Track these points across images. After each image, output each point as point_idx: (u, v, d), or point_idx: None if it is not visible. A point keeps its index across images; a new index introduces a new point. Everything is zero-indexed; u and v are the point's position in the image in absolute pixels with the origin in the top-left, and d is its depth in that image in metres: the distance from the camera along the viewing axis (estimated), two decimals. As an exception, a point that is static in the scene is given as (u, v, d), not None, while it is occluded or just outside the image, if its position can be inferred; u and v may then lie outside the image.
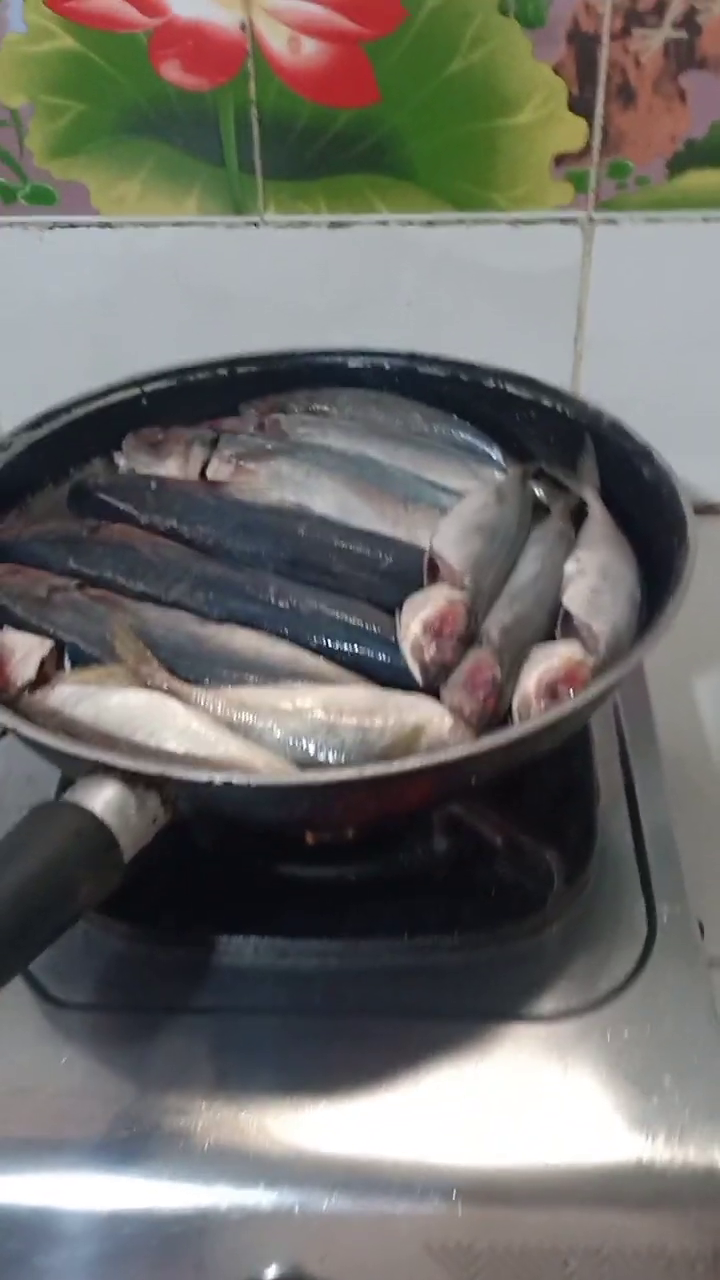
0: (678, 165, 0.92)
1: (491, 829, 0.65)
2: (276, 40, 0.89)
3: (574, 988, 0.60)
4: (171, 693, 0.60)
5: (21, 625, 0.65)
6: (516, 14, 0.86)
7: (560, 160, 0.92)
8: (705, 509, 1.06)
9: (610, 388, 1.00)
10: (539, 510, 0.74)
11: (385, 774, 0.53)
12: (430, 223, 0.95)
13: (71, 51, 0.90)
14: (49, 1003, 0.60)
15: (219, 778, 0.52)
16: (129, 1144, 0.56)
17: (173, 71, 0.91)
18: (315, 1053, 0.58)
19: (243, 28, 0.88)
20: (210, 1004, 0.60)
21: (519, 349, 0.99)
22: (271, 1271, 0.53)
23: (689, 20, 0.86)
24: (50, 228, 0.97)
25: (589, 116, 0.90)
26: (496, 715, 0.60)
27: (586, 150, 0.91)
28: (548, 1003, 0.60)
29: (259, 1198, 0.54)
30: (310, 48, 0.89)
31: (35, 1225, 0.54)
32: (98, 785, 0.53)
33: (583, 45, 0.87)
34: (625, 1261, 0.53)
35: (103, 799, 0.52)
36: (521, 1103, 0.56)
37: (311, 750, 0.57)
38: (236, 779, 0.53)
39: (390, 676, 0.63)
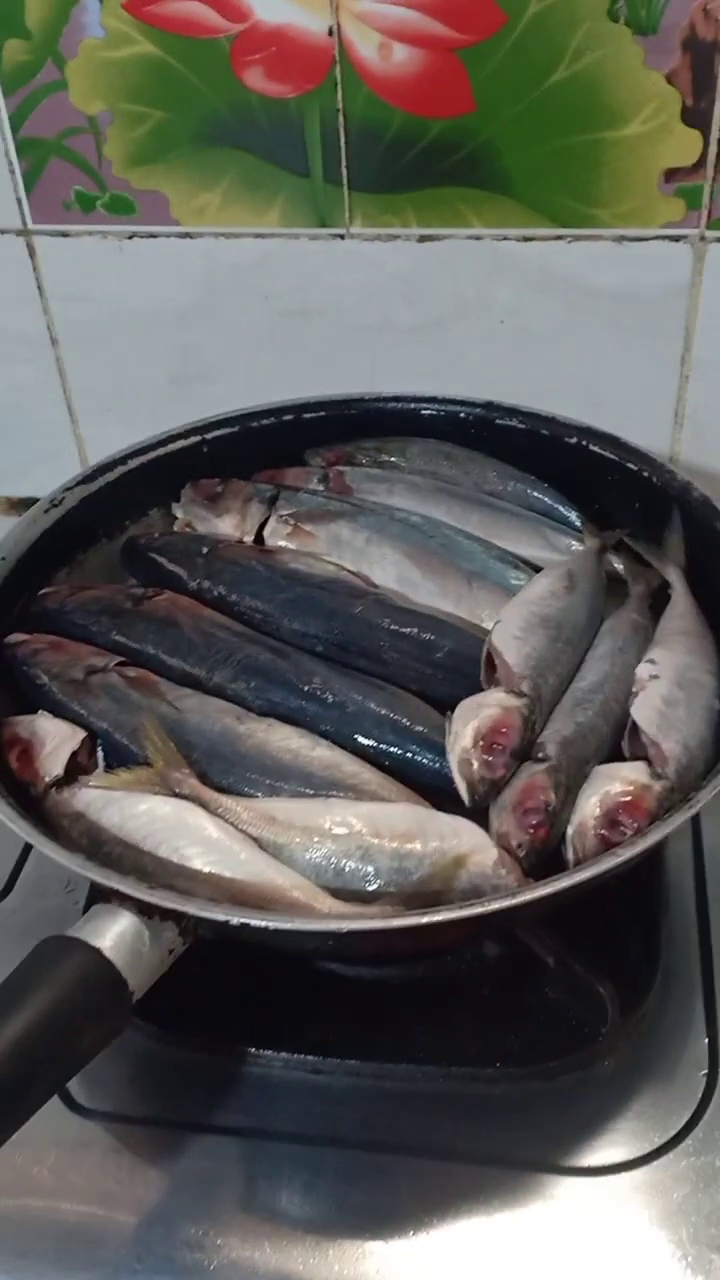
0: None
1: (543, 948, 0.60)
2: (366, 46, 0.83)
3: (622, 1138, 0.56)
4: (200, 802, 0.56)
5: (57, 708, 0.62)
6: (627, 20, 0.80)
7: (671, 175, 0.85)
8: None
9: (717, 412, 0.93)
10: (617, 586, 0.68)
11: (413, 925, 0.48)
12: (526, 238, 0.89)
13: (151, 57, 0.86)
14: (73, 1110, 0.58)
15: (235, 919, 0.49)
16: (143, 1260, 0.53)
17: (256, 78, 0.86)
18: (340, 1190, 0.55)
19: (330, 33, 0.83)
20: (236, 1123, 0.57)
21: (622, 371, 0.93)
22: None
23: None
24: (130, 237, 0.94)
25: (704, 129, 0.84)
26: (548, 846, 0.54)
27: (700, 164, 0.85)
28: (592, 1154, 0.55)
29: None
30: (402, 54, 0.83)
31: None
32: (111, 916, 0.50)
33: (699, 53, 0.81)
34: None
35: (114, 933, 0.49)
36: (554, 1268, 0.51)
37: (344, 875, 0.53)
38: (254, 921, 0.49)
39: (438, 783, 0.58)
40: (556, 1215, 0.54)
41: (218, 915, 0.49)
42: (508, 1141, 0.56)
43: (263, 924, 0.49)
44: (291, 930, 0.50)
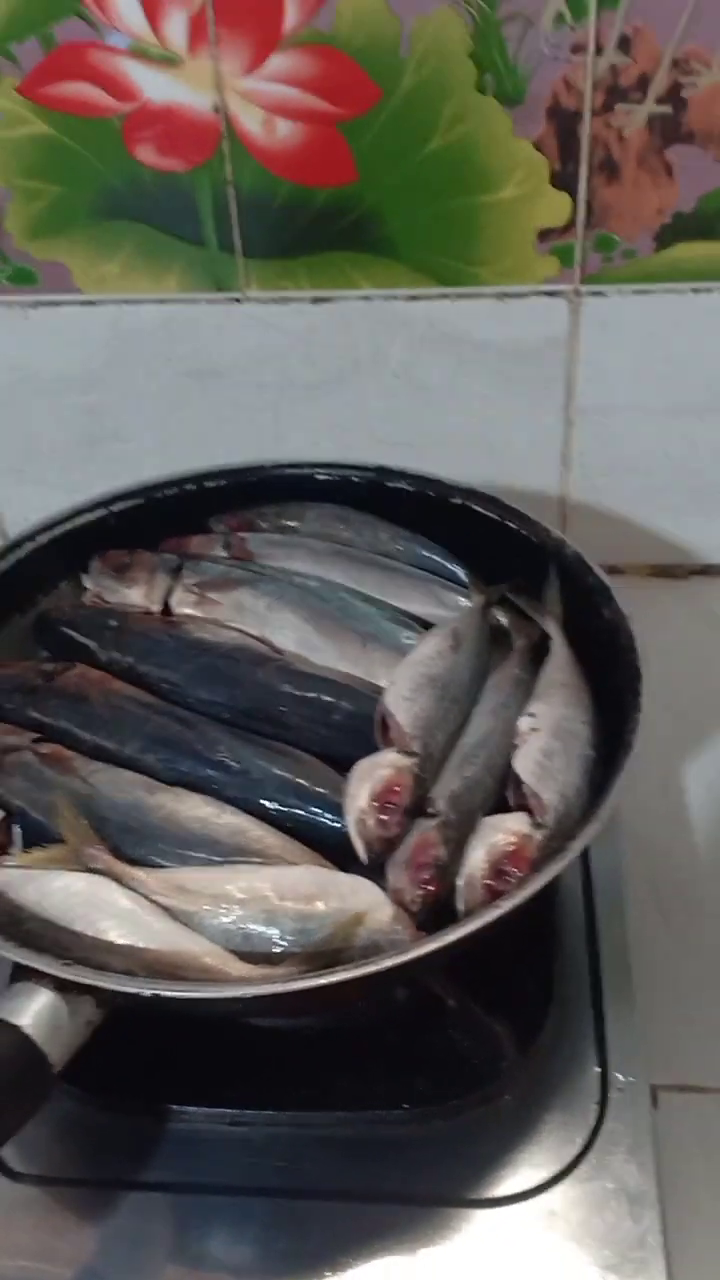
0: (666, 238, 0.88)
1: (444, 990, 0.62)
2: (250, 121, 0.85)
3: (524, 1168, 0.59)
4: (113, 875, 0.58)
5: (-26, 793, 0.64)
6: (494, 92, 0.83)
7: (544, 235, 0.89)
8: (699, 570, 1.03)
9: (601, 454, 0.98)
10: (502, 638, 0.71)
11: (313, 987, 0.51)
12: (413, 298, 0.92)
13: (45, 136, 0.88)
14: (6, 1174, 0.59)
15: (148, 990, 0.51)
16: None
17: (148, 154, 0.88)
18: (263, 1237, 0.57)
19: (216, 110, 0.85)
20: (161, 1178, 0.59)
21: (510, 418, 0.97)
22: None
23: (674, 95, 0.82)
24: (34, 306, 0.96)
25: (572, 192, 0.87)
26: (440, 899, 0.57)
27: (571, 225, 0.89)
28: (495, 1186, 0.58)
29: None
30: (285, 128, 0.86)
31: None
32: (29, 994, 0.52)
33: (564, 121, 0.84)
34: None
35: (33, 1011, 0.51)
36: (460, 1294, 0.54)
37: (251, 939, 0.56)
38: (165, 992, 0.51)
39: (339, 841, 0.61)
40: (465, 1247, 0.56)
41: (130, 988, 0.51)
42: (417, 1180, 0.59)
43: (174, 994, 0.52)
44: (201, 998, 0.52)
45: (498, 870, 0.57)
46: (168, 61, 0.84)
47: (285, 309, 0.94)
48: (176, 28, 0.82)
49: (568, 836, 0.57)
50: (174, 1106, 0.61)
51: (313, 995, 0.51)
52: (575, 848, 0.55)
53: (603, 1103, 0.60)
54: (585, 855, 0.70)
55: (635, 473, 0.98)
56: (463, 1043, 0.62)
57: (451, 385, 0.96)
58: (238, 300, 0.94)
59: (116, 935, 0.56)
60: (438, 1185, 0.58)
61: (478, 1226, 0.57)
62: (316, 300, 0.93)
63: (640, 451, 0.97)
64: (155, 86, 0.85)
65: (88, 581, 0.76)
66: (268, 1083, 0.62)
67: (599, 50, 0.81)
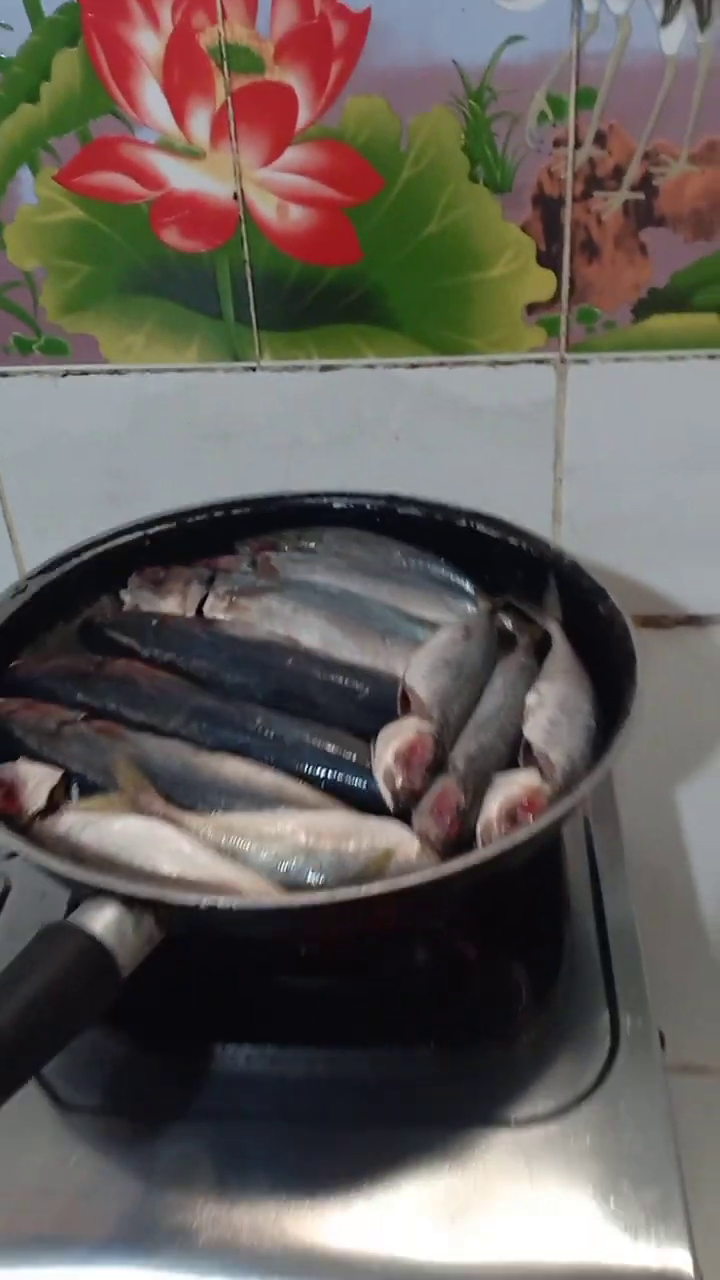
0: (642, 310, 0.99)
1: (465, 942, 0.70)
2: (266, 207, 0.97)
3: (541, 1097, 0.65)
4: (167, 819, 0.65)
5: (34, 756, 0.71)
6: (485, 181, 0.94)
7: (532, 308, 0.99)
8: (684, 620, 1.12)
9: (588, 510, 1.07)
10: (507, 641, 0.80)
11: (353, 898, 0.58)
12: (414, 365, 1.03)
13: (79, 221, 0.98)
14: (60, 1106, 0.65)
15: (205, 901, 0.58)
16: (133, 1241, 0.60)
17: (172, 237, 0.99)
18: (302, 1160, 0.63)
19: (235, 197, 0.96)
20: (206, 1109, 0.65)
21: (503, 475, 1.06)
22: None
23: (646, 183, 0.94)
24: (64, 375, 1.05)
25: (557, 270, 0.98)
26: (461, 839, 0.65)
27: (556, 299, 0.99)
28: (516, 1110, 0.65)
29: (249, 1293, 0.58)
30: (297, 213, 0.97)
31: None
32: (98, 908, 0.58)
33: (547, 207, 0.95)
34: None
35: (103, 921, 0.58)
36: (491, 1205, 0.61)
37: (293, 871, 0.63)
38: (221, 903, 0.59)
39: (366, 800, 0.68)
40: (489, 1162, 0.62)
41: (189, 900, 0.59)
42: (443, 1107, 0.65)
43: (228, 905, 0.59)
44: (252, 909, 0.59)
45: (512, 816, 0.65)
46: (192, 154, 0.96)
47: (296, 376, 1.04)
48: (200, 124, 0.95)
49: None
50: (217, 1046, 0.67)
51: (355, 907, 0.59)
52: (584, 789, 0.63)
53: (614, 1042, 0.67)
54: (588, 831, 0.78)
55: (622, 526, 1.07)
56: (484, 991, 0.69)
57: (449, 445, 1.06)
58: (253, 369, 1.05)
59: (170, 868, 0.63)
60: (461, 1111, 0.64)
61: (498, 1146, 0.63)
62: (324, 368, 1.04)
63: (626, 506, 1.07)
64: (180, 176, 0.96)
65: (126, 596, 0.85)
66: (305, 1024, 0.69)
67: (578, 144, 0.93)
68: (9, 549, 1.14)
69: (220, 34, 0.90)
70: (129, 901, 0.58)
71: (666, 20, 0.87)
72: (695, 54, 0.88)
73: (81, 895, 0.60)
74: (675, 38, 0.88)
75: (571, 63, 0.89)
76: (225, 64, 0.91)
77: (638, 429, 1.04)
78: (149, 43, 0.91)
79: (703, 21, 0.87)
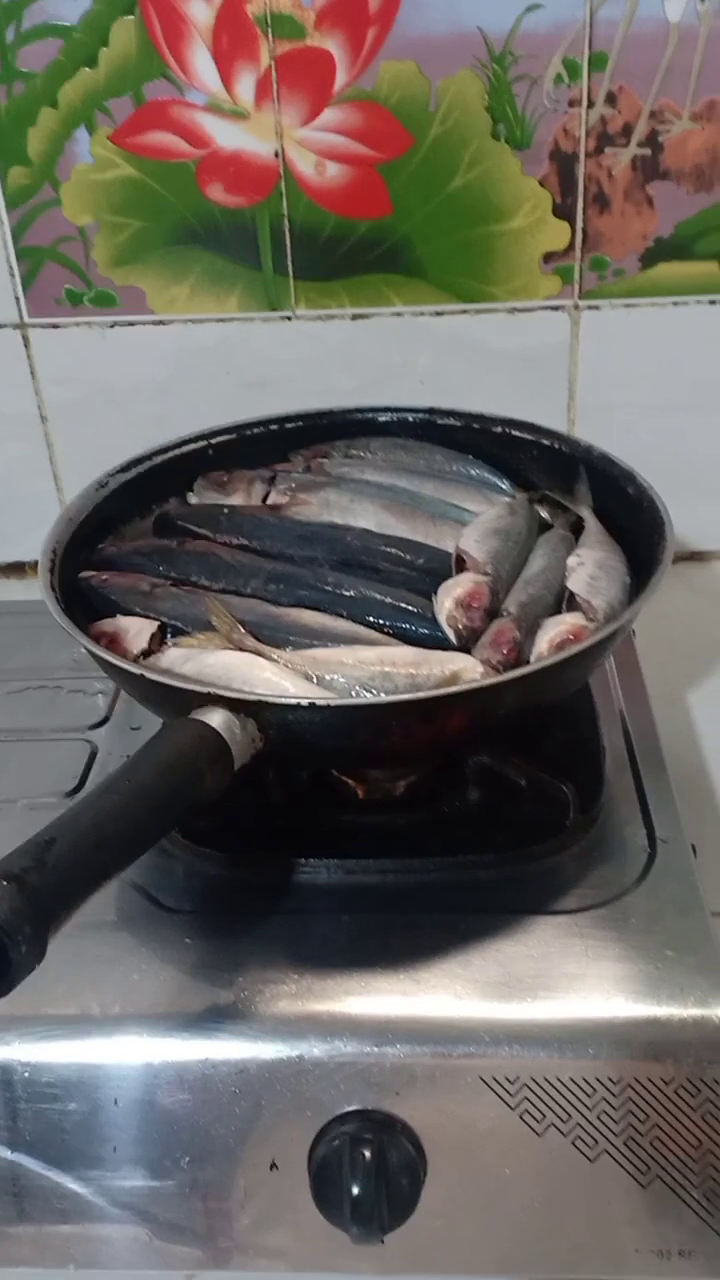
0: (649, 259, 1.14)
1: (516, 772, 0.83)
2: (304, 164, 1.11)
3: (590, 891, 0.78)
4: (258, 653, 0.78)
5: (130, 615, 0.84)
6: (506, 138, 1.09)
7: (548, 258, 1.14)
8: (687, 556, 1.26)
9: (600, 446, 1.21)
10: (544, 528, 0.94)
11: (434, 696, 0.71)
12: (439, 313, 1.17)
13: (131, 178, 1.13)
14: (162, 910, 0.77)
15: (304, 700, 0.71)
16: (237, 1008, 0.71)
17: (217, 193, 1.13)
18: (380, 940, 0.75)
19: (276, 155, 1.11)
20: (289, 909, 0.77)
21: (520, 416, 1.20)
22: (354, 1106, 0.69)
23: (652, 139, 1.09)
24: (111, 326, 1.19)
25: (571, 221, 1.13)
26: (517, 665, 0.78)
27: (570, 249, 1.14)
28: (569, 901, 0.77)
29: (342, 1048, 0.70)
30: (333, 170, 1.11)
31: (172, 1076, 0.70)
32: (210, 711, 0.71)
33: (563, 162, 1.10)
34: (638, 1088, 0.69)
35: (216, 718, 0.70)
36: (551, 971, 0.73)
37: (372, 693, 0.76)
38: (319, 700, 0.71)
39: (430, 646, 0.81)
40: (547, 938, 0.75)
41: (289, 700, 0.71)
42: (504, 901, 0.77)
43: (325, 702, 0.72)
44: (345, 705, 0.72)
45: (561, 646, 0.79)
46: (237, 115, 1.11)
47: (328, 325, 1.19)
48: (246, 87, 1.10)
49: (615, 626, 0.79)
50: (300, 860, 0.79)
51: (434, 706, 0.72)
52: (627, 615, 0.77)
53: (651, 849, 0.80)
54: (621, 706, 0.92)
55: (629, 462, 1.21)
56: (534, 809, 0.82)
57: (470, 389, 1.20)
58: (288, 318, 1.19)
59: (264, 691, 0.76)
60: (520, 905, 0.77)
61: (556, 926, 0.75)
62: (355, 317, 1.18)
63: (634, 445, 1.19)
64: (226, 135, 1.11)
65: (192, 497, 0.98)
66: (379, 840, 0.81)
67: (591, 104, 1.09)
68: (55, 496, 1.26)
69: (266, 3, 1.05)
70: (235, 705, 0.71)
71: (672, -15, 1.03)
72: (696, 21, 1.04)
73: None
74: (679, 6, 1.04)
75: (585, 29, 1.05)
76: (270, 31, 1.06)
77: (645, 371, 1.19)
78: (200, 11, 1.06)
79: (704, -13, 1.02)
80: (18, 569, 1.29)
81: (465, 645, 0.80)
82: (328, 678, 0.77)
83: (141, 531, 0.95)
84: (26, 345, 1.21)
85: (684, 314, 1.17)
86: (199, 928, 0.76)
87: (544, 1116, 0.69)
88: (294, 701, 0.71)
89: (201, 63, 1.09)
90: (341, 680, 0.76)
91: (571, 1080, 0.69)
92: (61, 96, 1.10)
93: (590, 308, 1.17)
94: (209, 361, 1.20)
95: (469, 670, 0.76)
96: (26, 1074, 0.71)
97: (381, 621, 0.82)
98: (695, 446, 1.21)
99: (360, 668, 0.77)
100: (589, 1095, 0.69)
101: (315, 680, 0.77)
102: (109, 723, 0.96)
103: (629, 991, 0.71)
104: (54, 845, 0.58)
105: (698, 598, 1.23)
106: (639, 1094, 0.69)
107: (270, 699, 0.71)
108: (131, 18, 1.07)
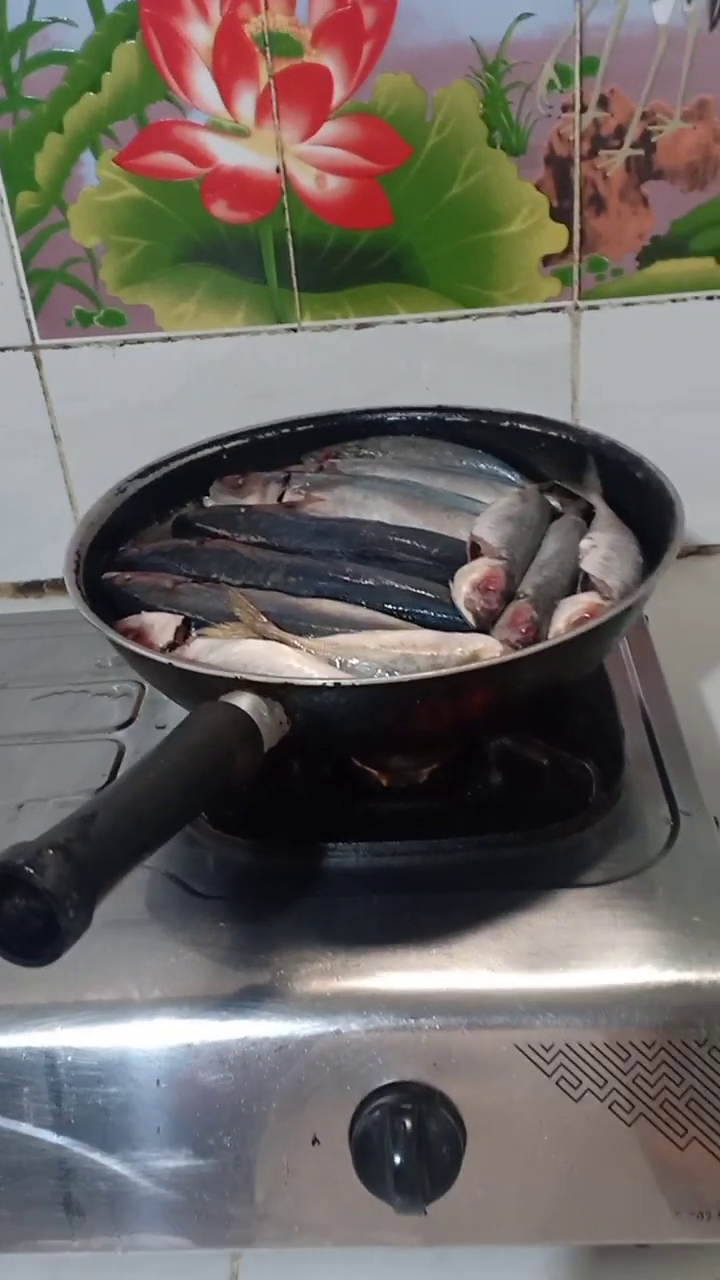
0: (646, 258, 1.17)
1: (538, 754, 0.84)
2: (305, 179, 1.14)
3: (615, 865, 0.79)
4: (282, 641, 0.80)
5: (154, 611, 0.86)
6: (502, 145, 1.12)
7: (547, 260, 1.17)
8: (695, 550, 1.28)
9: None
10: (554, 515, 0.96)
11: (456, 673, 0.73)
12: (442, 319, 1.20)
13: (136, 199, 1.16)
14: (195, 896, 0.79)
15: (330, 681, 0.73)
16: (273, 987, 0.73)
17: (221, 210, 1.16)
18: (410, 918, 0.76)
19: (277, 170, 1.14)
20: (318, 892, 0.79)
21: (526, 412, 1.22)
22: (392, 1079, 0.71)
23: (645, 140, 1.12)
24: (121, 344, 1.22)
25: (568, 223, 1.16)
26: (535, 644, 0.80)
27: (568, 251, 1.17)
28: (595, 875, 0.79)
29: (379, 1021, 0.71)
30: (333, 183, 1.14)
31: (212, 1055, 0.71)
32: (238, 695, 0.72)
33: (558, 166, 1.13)
34: (672, 1051, 0.70)
35: (245, 702, 0.72)
36: (581, 940, 0.74)
37: (395, 675, 0.78)
38: (345, 681, 0.73)
39: (449, 630, 0.83)
40: (576, 909, 0.76)
41: (315, 682, 0.73)
42: (532, 877, 0.79)
43: (351, 682, 0.73)
44: (371, 684, 0.74)
45: (578, 624, 0.80)
46: (238, 133, 1.14)
47: (333, 335, 1.21)
48: (246, 105, 1.13)
49: (629, 605, 0.81)
50: (328, 845, 0.81)
51: (457, 682, 0.73)
52: (642, 590, 0.79)
53: (674, 823, 0.82)
54: (638, 691, 0.93)
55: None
56: (557, 789, 0.83)
57: (475, 392, 1.21)
58: (294, 330, 1.21)
59: (289, 677, 0.77)
60: (547, 880, 0.78)
61: (585, 898, 0.76)
62: (360, 326, 1.21)
63: (638, 442, 1.21)
64: (228, 153, 1.14)
65: (209, 501, 1.00)
66: (405, 824, 0.83)
67: (583, 108, 1.12)
68: (69, 514, 1.29)
69: (263, 22, 1.08)
70: (262, 689, 0.73)
71: (658, -12, 1.06)
72: (684, 22, 1.07)
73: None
74: (666, 8, 1.07)
75: (575, 35, 1.08)
76: (268, 49, 1.09)
77: (646, 369, 1.22)
78: (200, 33, 1.09)
79: (690, -13, 1.05)
80: (35, 588, 1.31)
81: (484, 628, 0.82)
82: (351, 662, 0.78)
83: (160, 535, 0.97)
84: (39, 366, 1.23)
85: (683, 310, 1.19)
86: (231, 913, 0.78)
87: (580, 1083, 0.70)
88: (320, 683, 0.73)
89: (202, 83, 1.12)
90: (364, 664, 0.78)
91: (606, 1046, 0.71)
92: (67, 121, 1.13)
93: (590, 308, 1.20)
94: (217, 375, 1.23)
95: (489, 649, 0.78)
96: (70, 1059, 0.72)
97: (400, 608, 0.84)
98: (700, 441, 1.24)
99: (382, 651, 0.78)
100: (624, 1060, 0.71)
101: (339, 664, 0.78)
102: (134, 723, 0.97)
103: (659, 957, 0.73)
104: (95, 818, 0.59)
105: (707, 591, 1.25)
106: (673, 1057, 0.71)
107: (297, 681, 0.73)
108: (133, 42, 1.10)
